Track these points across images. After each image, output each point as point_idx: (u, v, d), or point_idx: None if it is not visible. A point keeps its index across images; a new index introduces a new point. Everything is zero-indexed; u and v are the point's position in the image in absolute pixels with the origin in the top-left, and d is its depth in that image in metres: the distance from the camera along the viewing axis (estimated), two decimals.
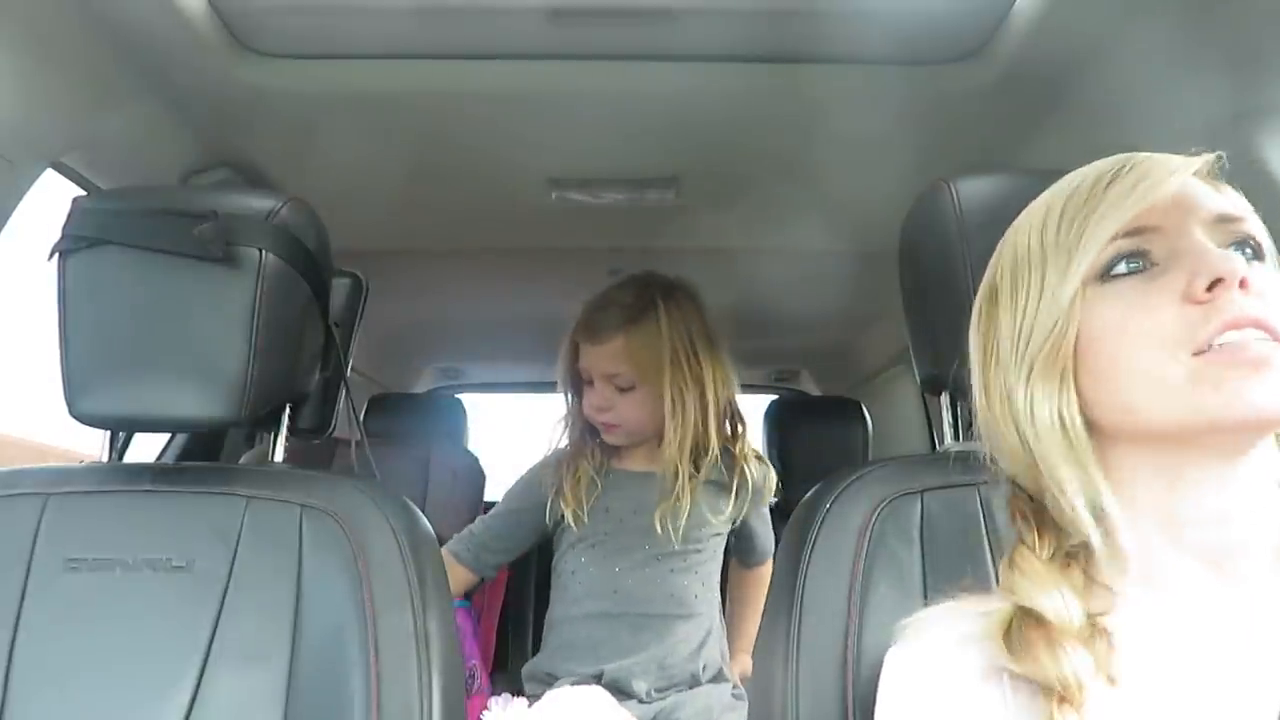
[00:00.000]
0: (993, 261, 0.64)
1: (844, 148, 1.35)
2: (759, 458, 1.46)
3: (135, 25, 1.04)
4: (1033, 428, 0.57)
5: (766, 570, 1.54)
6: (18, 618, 0.85)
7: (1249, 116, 0.95)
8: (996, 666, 0.56)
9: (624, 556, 1.38)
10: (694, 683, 1.36)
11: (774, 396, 2.62)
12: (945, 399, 0.91)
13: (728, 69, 1.19)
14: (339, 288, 1.09)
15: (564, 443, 1.47)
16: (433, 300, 2.18)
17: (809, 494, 0.86)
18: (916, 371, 0.93)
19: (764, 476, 1.45)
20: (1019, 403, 0.58)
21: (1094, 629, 0.55)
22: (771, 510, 1.52)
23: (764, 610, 0.85)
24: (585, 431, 1.45)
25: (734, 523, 1.45)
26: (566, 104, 1.26)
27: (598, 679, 1.33)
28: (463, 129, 1.33)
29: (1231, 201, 0.59)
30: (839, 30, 1.10)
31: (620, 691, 1.32)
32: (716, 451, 1.37)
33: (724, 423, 1.41)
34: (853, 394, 2.50)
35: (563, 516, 1.39)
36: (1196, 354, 0.52)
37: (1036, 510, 0.60)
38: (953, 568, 0.76)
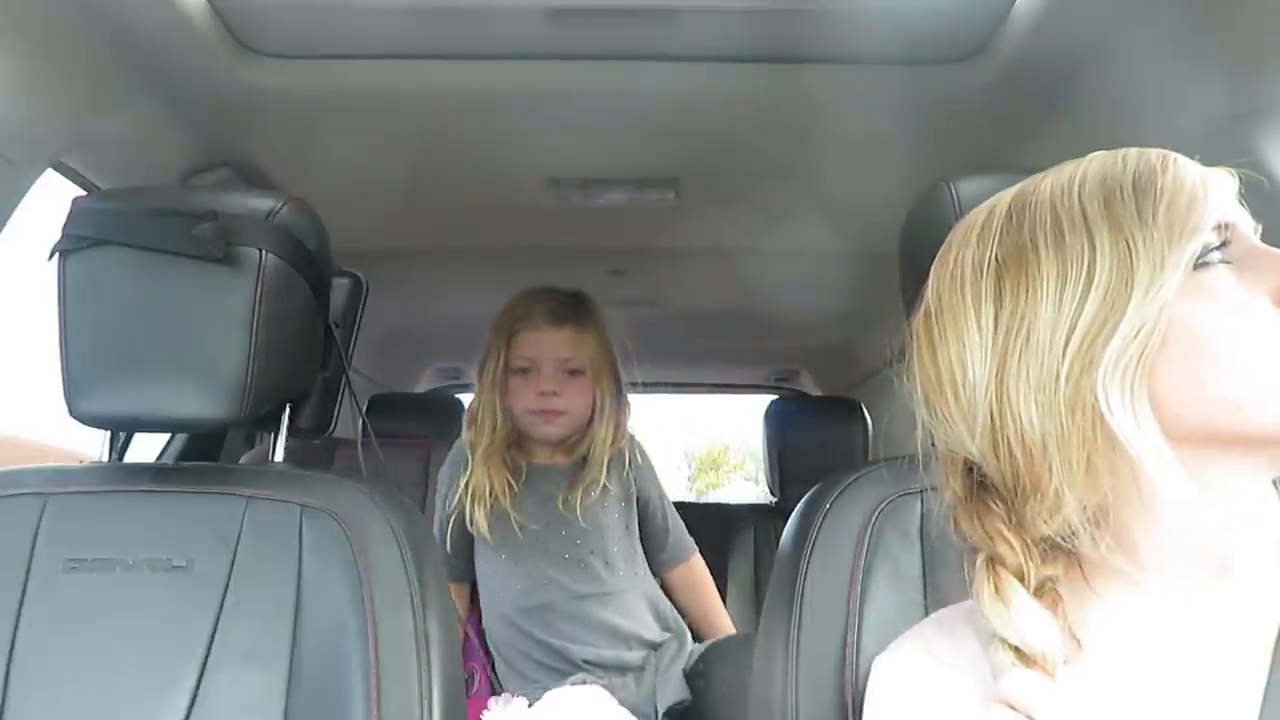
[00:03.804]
0: (1014, 224, 0.58)
1: (844, 148, 1.36)
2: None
3: (135, 25, 1.04)
4: (1118, 426, 0.52)
5: (693, 567, 1.57)
6: (18, 618, 0.85)
7: (1249, 116, 0.95)
8: (980, 673, 0.56)
9: (542, 545, 1.43)
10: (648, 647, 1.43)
11: (774, 396, 2.62)
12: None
13: (728, 69, 1.19)
14: (339, 288, 1.09)
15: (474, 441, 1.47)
16: (433, 300, 2.18)
17: (809, 494, 0.86)
18: None
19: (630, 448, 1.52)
20: (1066, 396, 0.53)
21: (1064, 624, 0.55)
22: (771, 510, 1.52)
23: (764, 610, 0.85)
24: (507, 433, 1.46)
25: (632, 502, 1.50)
26: (566, 104, 1.26)
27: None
28: (463, 129, 1.33)
29: None
30: (839, 30, 1.10)
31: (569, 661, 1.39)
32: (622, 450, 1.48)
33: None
34: (853, 394, 2.50)
35: (473, 515, 1.42)
36: None
37: (1015, 526, 0.56)
38: (953, 568, 0.75)
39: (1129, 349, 0.52)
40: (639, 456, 1.54)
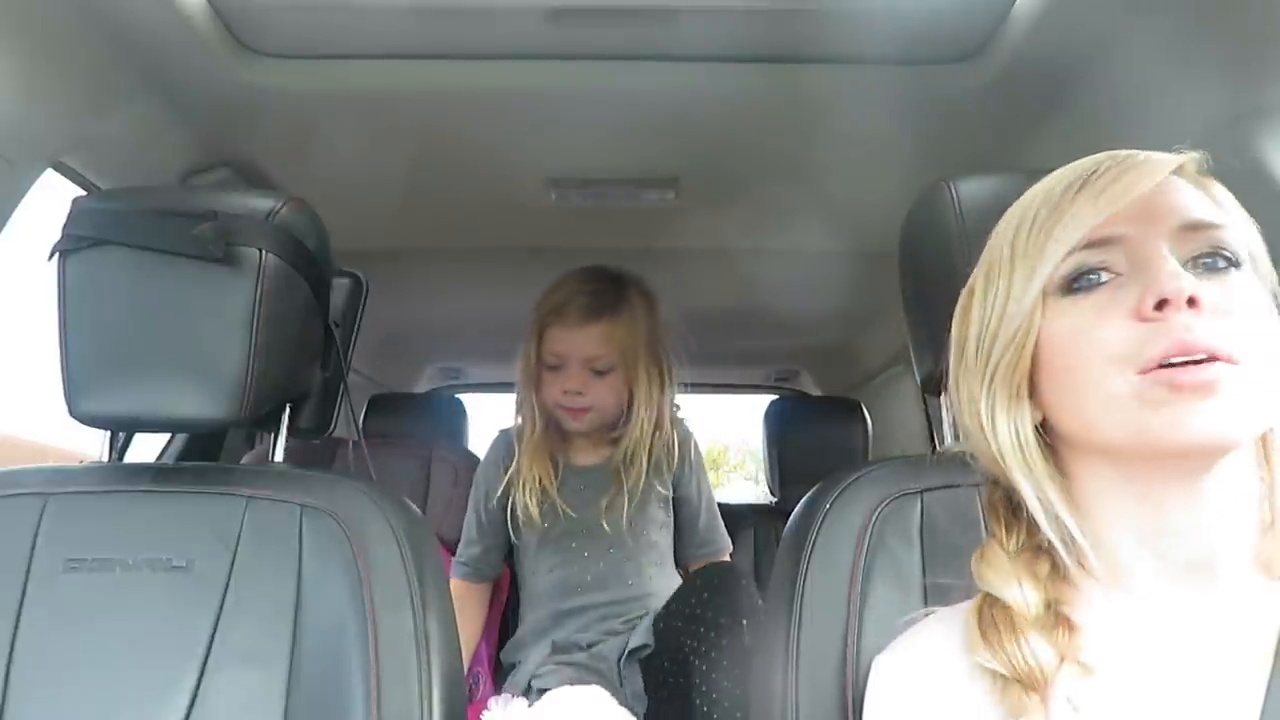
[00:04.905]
0: (983, 256, 0.63)
1: (844, 148, 1.35)
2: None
3: (135, 25, 1.04)
4: (994, 435, 0.58)
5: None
6: (18, 618, 0.85)
7: (1249, 116, 0.94)
8: (978, 669, 0.56)
9: (579, 550, 1.43)
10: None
11: (774, 396, 2.62)
12: (945, 399, 0.91)
13: (728, 69, 1.19)
14: (339, 288, 1.09)
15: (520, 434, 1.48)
16: (433, 300, 2.18)
17: (809, 494, 0.86)
18: (916, 372, 0.93)
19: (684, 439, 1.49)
20: (980, 407, 0.58)
21: (1056, 618, 0.56)
22: (771, 510, 1.52)
23: (764, 610, 0.85)
24: (545, 424, 1.47)
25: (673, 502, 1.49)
26: (566, 104, 1.26)
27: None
28: (462, 129, 1.33)
29: (1209, 206, 0.56)
30: (839, 30, 1.10)
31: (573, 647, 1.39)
32: (670, 445, 1.45)
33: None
34: (853, 394, 2.50)
35: (516, 512, 1.43)
36: (1142, 372, 0.51)
37: (1011, 504, 0.61)
38: (953, 568, 0.75)
39: (1000, 366, 0.57)
40: (692, 454, 1.51)
